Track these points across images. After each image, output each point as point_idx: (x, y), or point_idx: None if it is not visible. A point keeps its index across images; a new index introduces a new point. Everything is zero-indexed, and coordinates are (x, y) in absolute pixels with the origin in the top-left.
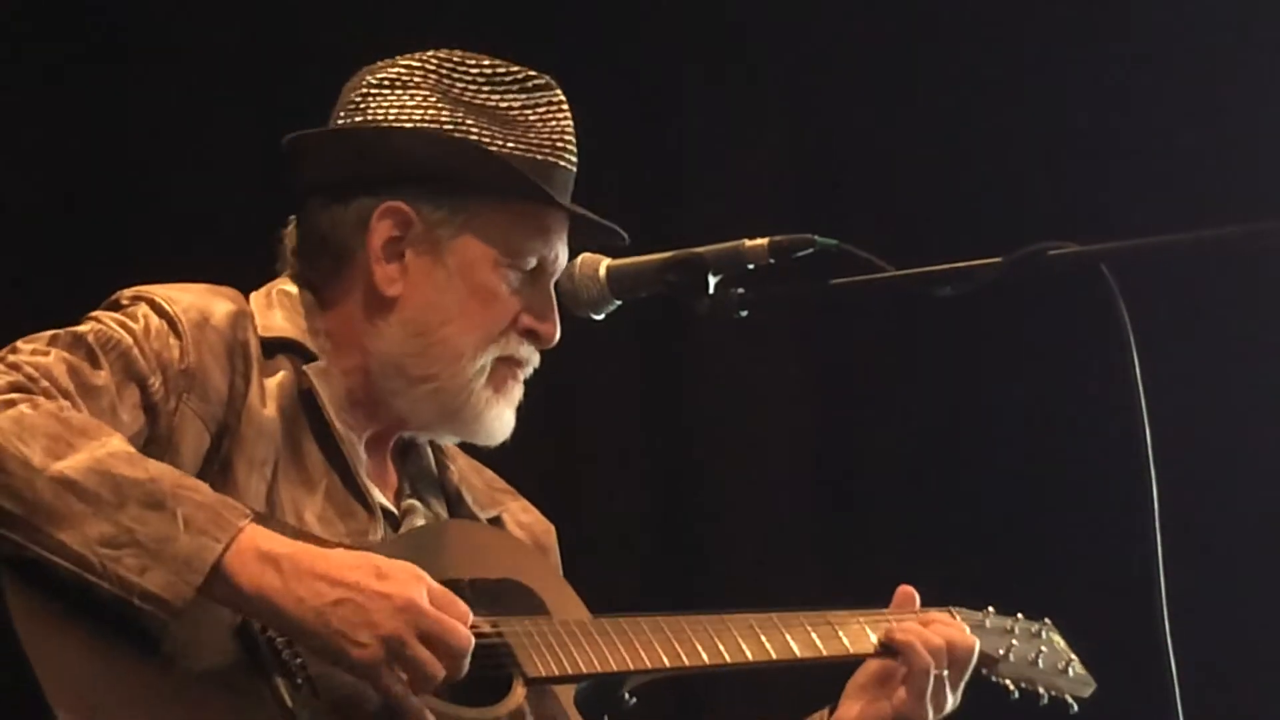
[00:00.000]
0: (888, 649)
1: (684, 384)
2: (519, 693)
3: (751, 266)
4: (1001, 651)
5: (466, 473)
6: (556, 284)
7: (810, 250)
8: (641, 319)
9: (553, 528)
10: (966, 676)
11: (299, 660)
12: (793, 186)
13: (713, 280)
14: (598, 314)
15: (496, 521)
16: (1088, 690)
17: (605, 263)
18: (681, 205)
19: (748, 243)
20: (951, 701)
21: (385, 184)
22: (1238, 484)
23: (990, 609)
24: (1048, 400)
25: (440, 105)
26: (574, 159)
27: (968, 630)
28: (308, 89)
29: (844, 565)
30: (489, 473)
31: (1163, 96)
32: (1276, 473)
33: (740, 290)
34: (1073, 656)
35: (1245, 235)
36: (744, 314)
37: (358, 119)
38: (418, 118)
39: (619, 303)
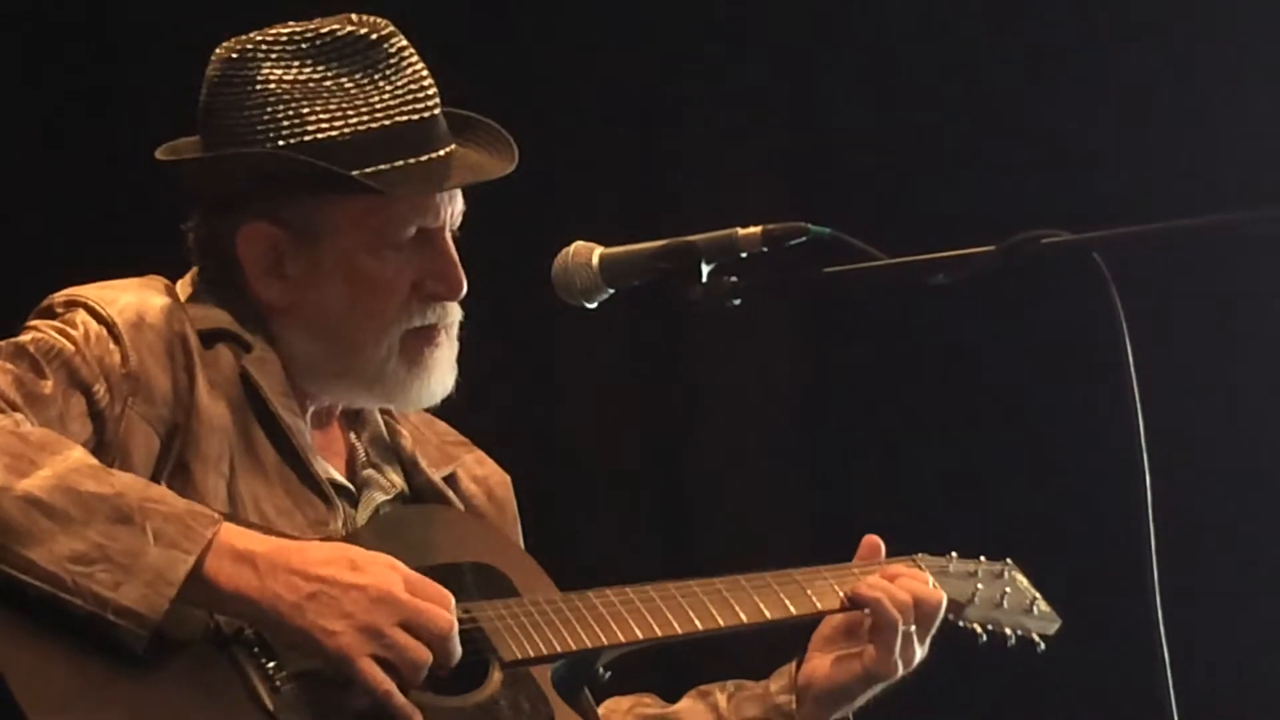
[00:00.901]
0: (855, 604)
1: (677, 373)
2: (496, 677)
3: (745, 255)
4: (967, 595)
5: (420, 429)
6: (550, 273)
7: (804, 238)
8: (635, 307)
9: (509, 479)
10: (934, 629)
11: (276, 662)
12: (786, 174)
13: (706, 268)
14: (590, 303)
15: (450, 479)
16: (1053, 627)
17: (598, 251)
18: (676, 194)
19: (741, 231)
20: (920, 654)
21: (240, 205)
22: (1231, 472)
23: (954, 554)
24: (1040, 388)
25: (275, 101)
26: (430, 104)
27: (932, 583)
28: None
29: (838, 551)
30: (441, 425)
31: (1157, 84)
32: (1270, 460)
33: (733, 278)
34: (1037, 595)
35: (1238, 222)
36: (737, 302)
37: (207, 126)
38: (257, 127)
39: (611, 291)
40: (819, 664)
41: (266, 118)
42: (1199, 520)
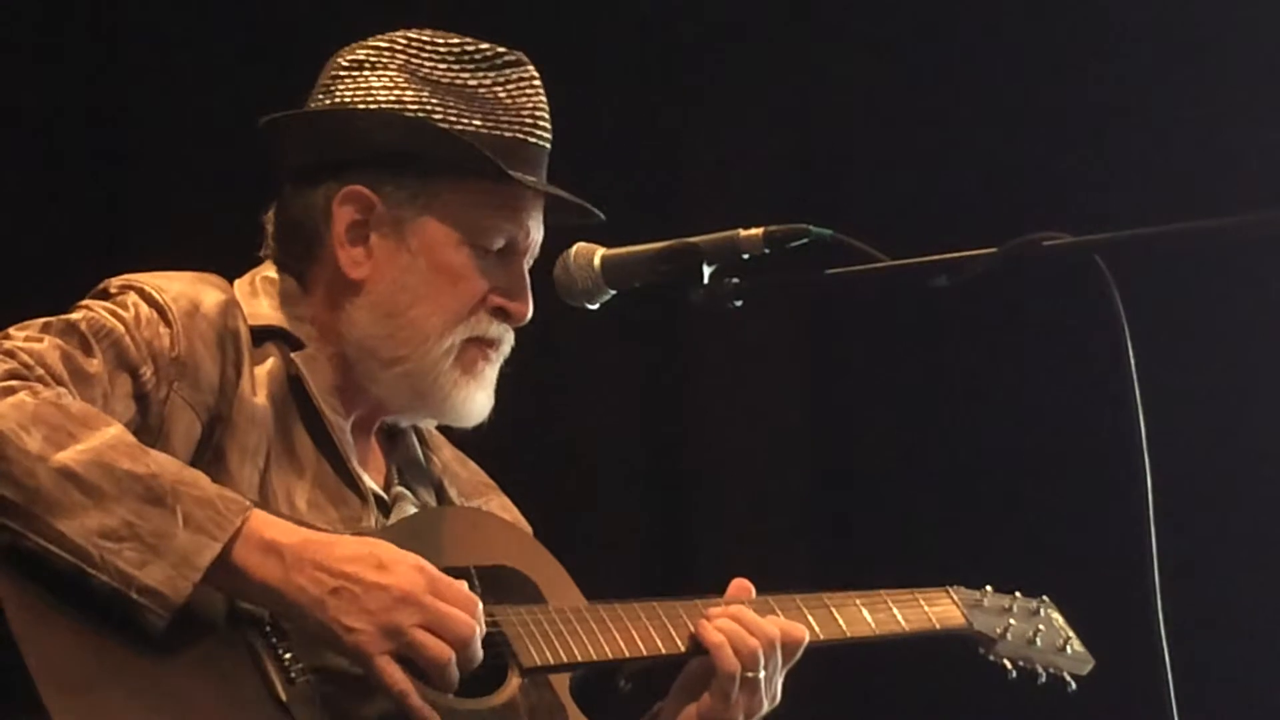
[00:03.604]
0: (699, 648)
1: (679, 375)
2: (514, 683)
3: (746, 256)
4: (999, 631)
5: (451, 463)
6: (553, 274)
7: (805, 240)
8: (637, 310)
9: (530, 529)
10: (784, 672)
11: (293, 654)
12: (788, 176)
13: (707, 270)
14: (592, 304)
15: None
16: (1086, 668)
17: (600, 252)
18: (678, 195)
19: (743, 232)
20: (768, 704)
21: (348, 167)
22: (1232, 474)
23: (988, 588)
24: (1042, 390)
25: (405, 85)
26: (546, 135)
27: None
28: (306, 73)
29: (841, 557)
30: (473, 465)
31: (1159, 87)
32: (1271, 463)
33: (735, 280)
34: (1071, 634)
35: (1239, 225)
36: (738, 304)
37: (326, 102)
38: (381, 99)
39: (613, 293)
40: (669, 713)
41: (394, 98)
42: (1200, 522)
